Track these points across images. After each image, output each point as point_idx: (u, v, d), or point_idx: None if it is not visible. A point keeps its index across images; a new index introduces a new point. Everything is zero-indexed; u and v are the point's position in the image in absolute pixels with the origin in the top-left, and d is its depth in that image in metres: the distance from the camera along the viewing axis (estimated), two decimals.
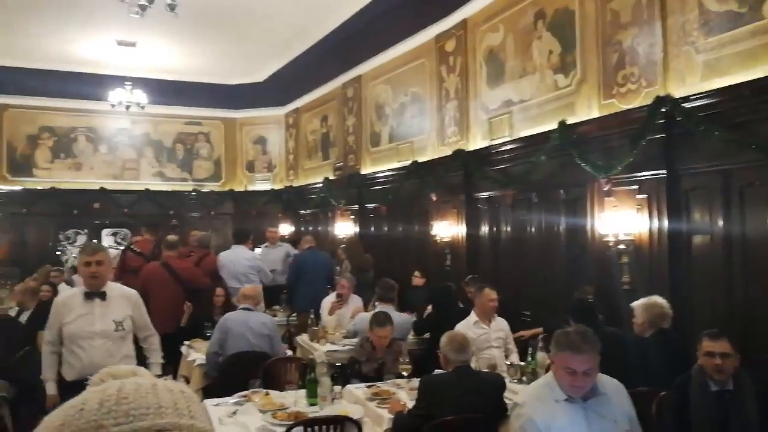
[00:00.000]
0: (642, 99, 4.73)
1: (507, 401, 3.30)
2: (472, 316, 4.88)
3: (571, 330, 2.63)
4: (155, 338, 3.94)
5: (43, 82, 10.79)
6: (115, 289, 3.74)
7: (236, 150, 12.92)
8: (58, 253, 11.39)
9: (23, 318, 5.58)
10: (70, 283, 8.91)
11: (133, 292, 3.83)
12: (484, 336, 4.79)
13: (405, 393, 3.82)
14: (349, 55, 9.49)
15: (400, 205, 8.37)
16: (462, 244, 6.96)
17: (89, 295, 3.59)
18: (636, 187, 4.75)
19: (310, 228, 11.15)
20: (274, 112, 12.75)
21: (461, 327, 4.61)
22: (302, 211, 11.63)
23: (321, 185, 10.40)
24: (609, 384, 2.64)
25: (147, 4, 6.07)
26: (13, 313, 6.10)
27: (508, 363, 4.34)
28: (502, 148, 6.34)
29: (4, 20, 8.67)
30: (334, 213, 10.20)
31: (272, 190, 12.59)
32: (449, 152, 7.10)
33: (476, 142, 6.89)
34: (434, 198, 7.43)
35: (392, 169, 8.43)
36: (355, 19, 8.34)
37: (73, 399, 0.83)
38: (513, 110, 6.31)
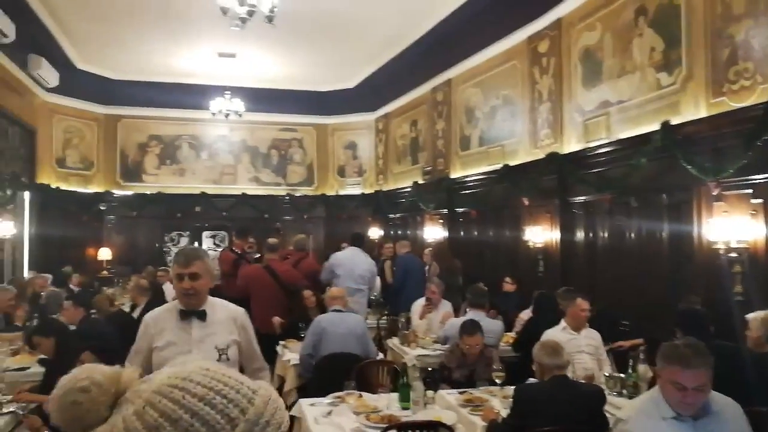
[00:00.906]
0: (758, 96, 4.41)
1: (608, 415, 3.17)
2: (561, 324, 4.74)
3: (680, 342, 2.47)
4: (266, 374, 3.08)
5: (152, 94, 11.61)
6: (218, 306, 2.89)
7: (328, 155, 13.25)
8: (164, 251, 12.20)
9: (135, 314, 5.97)
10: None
11: (240, 311, 2.95)
12: (573, 341, 4.63)
13: (498, 401, 3.76)
14: (439, 60, 9.49)
15: (491, 210, 8.25)
16: (556, 249, 6.76)
17: (186, 314, 2.79)
18: (750, 191, 4.43)
19: (399, 232, 11.22)
20: (364, 118, 12.97)
21: (549, 333, 4.49)
22: (391, 215, 11.73)
23: (410, 189, 10.45)
24: (723, 402, 2.47)
25: (247, 17, 6.33)
26: (126, 309, 6.55)
27: (607, 374, 4.15)
28: (599, 151, 6.11)
29: (119, 38, 9.36)
30: (423, 217, 10.22)
31: (362, 194, 12.80)
32: (542, 155, 6.93)
33: (571, 144, 6.68)
34: (526, 202, 7.27)
35: (482, 173, 8.33)
36: (446, 23, 8.33)
37: (159, 413, 0.79)
38: (611, 111, 6.06)
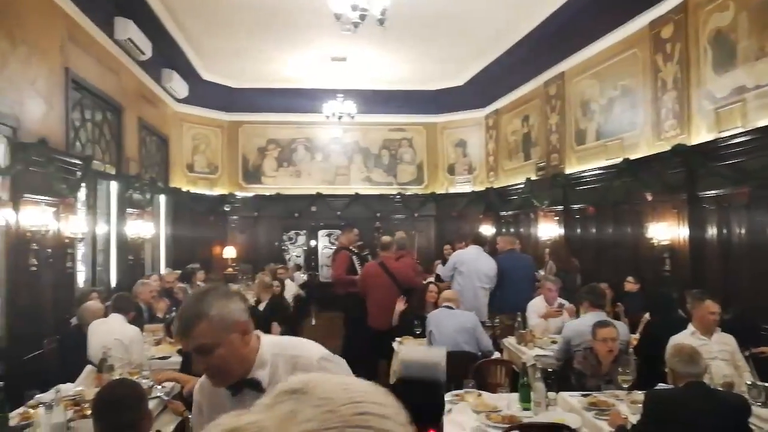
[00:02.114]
0: None
1: (754, 428, 2.93)
2: (690, 328, 4.44)
3: None
4: None
5: (269, 100, 12.24)
6: (282, 361, 1.81)
7: (437, 153, 13.29)
8: (283, 250, 12.84)
9: (260, 308, 6.34)
10: (293, 279, 9.94)
11: (313, 358, 1.81)
12: (704, 347, 4.30)
13: (626, 406, 3.59)
14: (552, 52, 9.21)
15: (610, 206, 7.88)
16: (684, 248, 6.34)
17: (235, 387, 1.81)
18: None
19: (512, 230, 11.02)
20: (473, 115, 12.86)
21: (678, 338, 4.21)
22: (503, 213, 11.54)
23: (522, 186, 10.23)
24: None
25: (359, 21, 6.49)
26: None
27: (749, 383, 3.84)
28: (733, 141, 5.65)
29: (240, 49, 9.94)
30: (536, 214, 9.96)
31: (473, 191, 12.70)
32: (667, 147, 6.52)
33: (700, 135, 6.23)
34: (649, 197, 6.88)
35: (600, 168, 7.99)
36: (558, 14, 8.07)
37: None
38: (747, 97, 5.59)
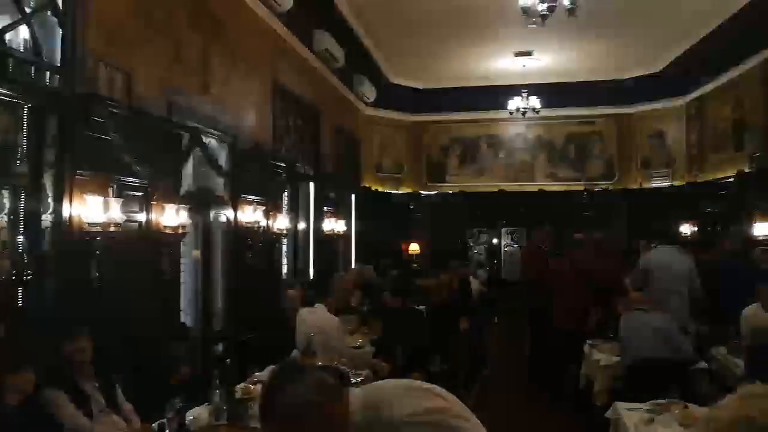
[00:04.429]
0: None
1: None
2: None
3: None
4: None
5: (452, 99, 12.43)
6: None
7: (630, 146, 12.44)
8: (466, 247, 12.93)
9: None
10: (476, 276, 9.98)
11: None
12: None
13: None
14: None
15: None
16: None
17: None
18: None
19: (719, 228, 9.90)
20: (672, 103, 11.79)
21: None
22: (708, 210, 10.42)
23: (733, 180, 9.16)
24: None
25: (548, 12, 6.29)
26: None
27: None
28: None
29: (425, 51, 10.22)
30: (751, 211, 8.84)
31: (671, 186, 11.67)
32: None
33: None
34: None
35: None
36: None
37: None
38: None
